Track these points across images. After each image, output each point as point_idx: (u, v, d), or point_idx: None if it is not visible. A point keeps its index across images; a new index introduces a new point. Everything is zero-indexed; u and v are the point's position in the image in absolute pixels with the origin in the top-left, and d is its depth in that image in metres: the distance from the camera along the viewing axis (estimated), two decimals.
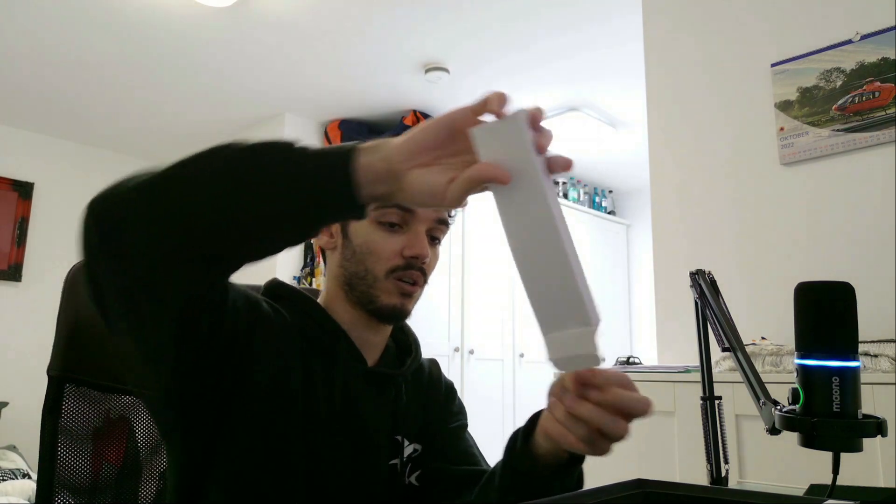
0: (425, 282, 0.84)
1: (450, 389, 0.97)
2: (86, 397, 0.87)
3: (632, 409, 0.58)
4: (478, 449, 0.92)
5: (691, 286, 0.88)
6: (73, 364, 0.86)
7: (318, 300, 0.87)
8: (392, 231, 0.81)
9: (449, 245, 3.91)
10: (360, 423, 0.79)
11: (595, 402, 0.58)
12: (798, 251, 1.96)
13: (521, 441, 0.71)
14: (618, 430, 0.58)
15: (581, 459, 0.70)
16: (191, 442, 0.72)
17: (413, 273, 0.81)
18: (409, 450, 0.84)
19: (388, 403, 0.84)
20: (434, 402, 0.92)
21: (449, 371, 3.85)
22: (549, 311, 0.53)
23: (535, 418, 0.71)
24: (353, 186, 0.53)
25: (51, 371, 0.86)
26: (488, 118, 0.52)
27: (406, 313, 0.83)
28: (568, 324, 0.52)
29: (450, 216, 0.86)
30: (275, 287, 0.87)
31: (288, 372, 0.75)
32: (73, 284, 0.89)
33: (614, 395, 0.58)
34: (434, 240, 0.85)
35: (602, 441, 0.59)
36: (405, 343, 0.93)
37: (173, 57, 3.35)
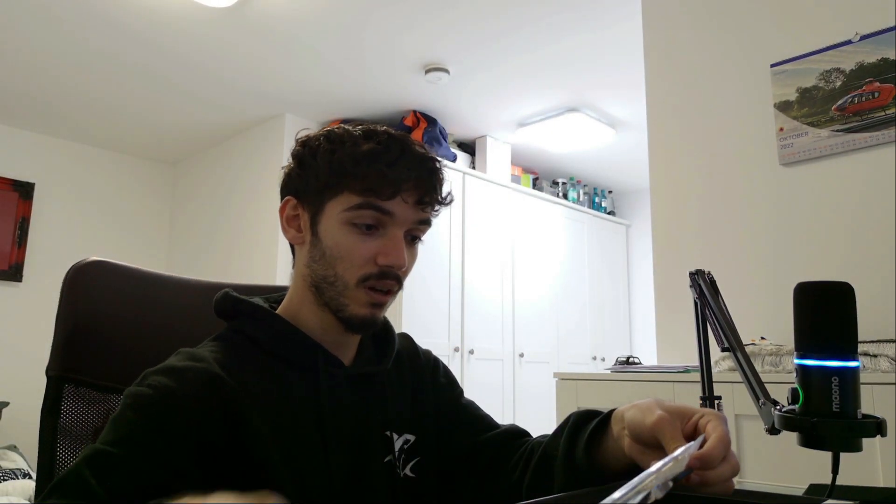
0: (400, 288, 0.79)
1: (430, 361, 0.93)
2: (85, 398, 0.87)
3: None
4: (480, 408, 0.92)
5: (691, 286, 0.88)
6: (71, 364, 0.86)
7: (285, 303, 0.83)
8: (366, 234, 0.75)
9: (449, 244, 3.91)
10: (350, 429, 0.76)
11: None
12: (798, 251, 1.96)
13: (584, 454, 0.69)
14: (728, 488, 0.63)
15: None
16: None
17: (387, 282, 0.76)
18: (399, 442, 0.81)
19: (374, 401, 0.81)
20: (420, 379, 0.89)
21: None
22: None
23: (600, 427, 0.69)
24: None
25: (49, 371, 0.86)
26: None
27: (376, 324, 0.79)
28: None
29: (434, 213, 0.80)
30: (230, 304, 0.81)
31: (263, 437, 0.70)
32: (73, 285, 0.89)
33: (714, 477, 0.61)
34: (414, 239, 0.80)
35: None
36: (381, 332, 0.88)
37: (173, 57, 3.35)
